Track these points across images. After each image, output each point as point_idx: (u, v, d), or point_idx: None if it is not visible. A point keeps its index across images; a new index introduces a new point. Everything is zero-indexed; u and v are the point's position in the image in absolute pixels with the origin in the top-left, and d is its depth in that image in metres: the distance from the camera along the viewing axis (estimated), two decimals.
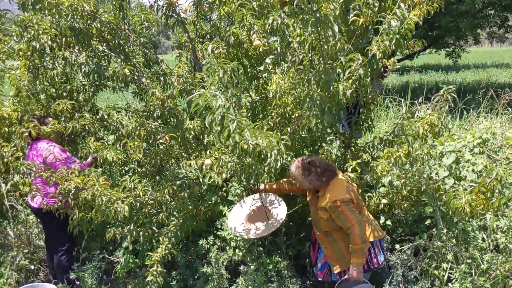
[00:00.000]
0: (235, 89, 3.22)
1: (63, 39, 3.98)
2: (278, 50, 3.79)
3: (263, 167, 2.93)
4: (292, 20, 3.40)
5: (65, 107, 4.01)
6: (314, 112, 3.13)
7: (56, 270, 4.29)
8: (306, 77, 3.16)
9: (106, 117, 4.13)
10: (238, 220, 3.77)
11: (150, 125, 3.71)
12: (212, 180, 3.29)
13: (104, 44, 4.07)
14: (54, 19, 3.84)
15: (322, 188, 3.40)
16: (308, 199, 3.63)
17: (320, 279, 3.68)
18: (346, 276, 3.37)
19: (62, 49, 3.96)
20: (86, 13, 3.65)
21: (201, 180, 3.49)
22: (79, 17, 3.59)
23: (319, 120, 3.17)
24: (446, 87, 3.60)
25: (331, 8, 2.87)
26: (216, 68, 3.10)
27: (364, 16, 2.99)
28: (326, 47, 3.08)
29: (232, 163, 3.02)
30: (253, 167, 2.98)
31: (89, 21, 3.71)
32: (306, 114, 3.25)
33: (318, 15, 2.85)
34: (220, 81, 3.10)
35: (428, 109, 7.72)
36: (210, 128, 2.72)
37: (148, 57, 4.31)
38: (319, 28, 2.94)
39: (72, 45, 3.98)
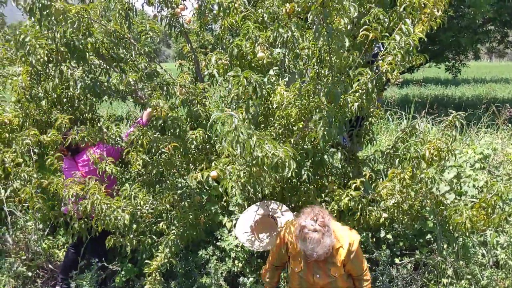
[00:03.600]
0: (256, 99, 3.24)
1: (59, 54, 3.93)
2: (286, 61, 3.79)
3: (273, 175, 2.93)
4: (300, 32, 3.42)
5: (63, 122, 3.94)
6: (322, 124, 3.12)
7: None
8: (313, 89, 3.17)
9: (105, 130, 4.09)
10: (246, 225, 3.70)
11: (152, 134, 3.71)
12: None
13: (101, 59, 4.03)
14: (50, 34, 3.79)
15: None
16: (300, 268, 3.11)
17: None
18: None
19: (58, 64, 3.93)
20: (92, 21, 3.65)
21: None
22: (85, 25, 3.57)
23: (326, 132, 3.15)
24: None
25: (344, 23, 2.89)
26: (240, 80, 3.08)
27: (373, 31, 3.01)
28: (335, 60, 3.09)
29: (243, 173, 2.97)
30: (265, 176, 2.97)
31: (90, 31, 3.68)
32: (311, 126, 3.25)
33: (330, 28, 2.88)
34: (243, 92, 3.10)
35: (428, 123, 7.80)
36: (233, 148, 2.73)
37: (149, 69, 4.25)
38: (330, 41, 2.96)
39: (68, 60, 3.94)
